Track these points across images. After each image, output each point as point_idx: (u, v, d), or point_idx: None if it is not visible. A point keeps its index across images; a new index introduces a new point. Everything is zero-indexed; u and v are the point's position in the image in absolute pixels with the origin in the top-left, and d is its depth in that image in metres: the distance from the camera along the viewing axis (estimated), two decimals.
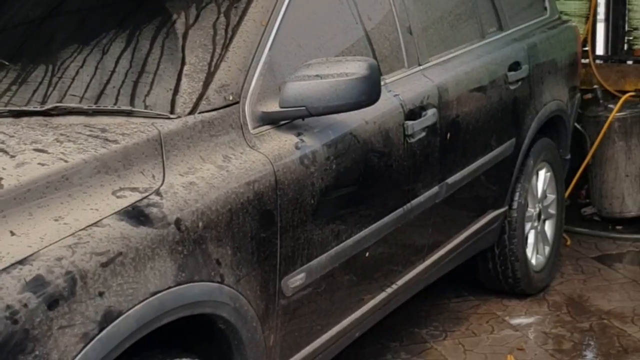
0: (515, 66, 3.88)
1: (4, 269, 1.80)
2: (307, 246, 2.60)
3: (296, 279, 2.57)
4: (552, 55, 4.27)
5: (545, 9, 4.50)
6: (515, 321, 4.00)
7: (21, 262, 1.83)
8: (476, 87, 3.57)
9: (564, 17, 4.78)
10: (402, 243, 3.21)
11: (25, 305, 1.78)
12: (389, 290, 3.16)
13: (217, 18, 2.64)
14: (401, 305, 3.38)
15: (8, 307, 1.76)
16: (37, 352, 1.79)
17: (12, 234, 1.89)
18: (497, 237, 4.00)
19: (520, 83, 3.90)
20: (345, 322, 2.93)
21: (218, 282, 2.25)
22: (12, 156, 2.09)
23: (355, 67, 2.55)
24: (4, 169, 2.03)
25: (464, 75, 3.49)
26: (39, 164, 2.07)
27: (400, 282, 3.22)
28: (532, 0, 4.44)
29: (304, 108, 2.53)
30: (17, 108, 2.47)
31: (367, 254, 2.94)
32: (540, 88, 4.08)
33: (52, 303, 1.83)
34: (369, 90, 2.56)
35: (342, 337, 2.92)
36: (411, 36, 3.27)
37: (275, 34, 2.66)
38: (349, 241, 2.80)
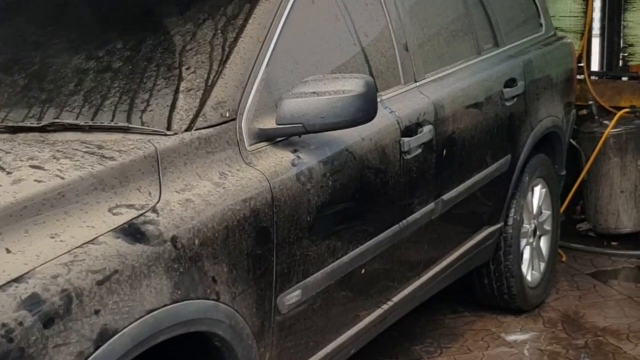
0: (511, 83, 3.89)
1: (0, 287, 1.79)
2: (303, 263, 2.60)
3: (292, 296, 2.57)
4: (547, 71, 4.28)
5: (541, 25, 4.52)
6: (511, 338, 3.99)
7: (17, 280, 1.82)
8: (472, 103, 3.58)
9: (560, 34, 4.80)
10: (398, 259, 3.21)
11: (21, 324, 1.78)
12: (385, 306, 3.16)
13: (214, 34, 2.64)
14: (396, 321, 3.37)
15: (3, 325, 1.75)
16: None
17: (8, 251, 1.88)
18: (492, 253, 4.01)
19: (515, 99, 3.91)
20: (341, 339, 2.92)
21: (214, 300, 2.24)
22: (9, 173, 2.09)
23: (352, 85, 2.55)
24: (0, 185, 2.02)
25: (460, 92, 3.50)
26: (35, 180, 2.06)
27: (395, 299, 3.22)
28: (528, 16, 4.46)
29: (300, 125, 2.53)
30: (14, 124, 2.46)
31: (363, 271, 2.93)
32: (535, 104, 4.10)
33: (48, 321, 1.82)
34: (365, 108, 2.56)
35: (337, 354, 2.92)
36: (407, 53, 3.28)
37: (272, 51, 2.67)
38: (345, 258, 2.80)
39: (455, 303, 4.31)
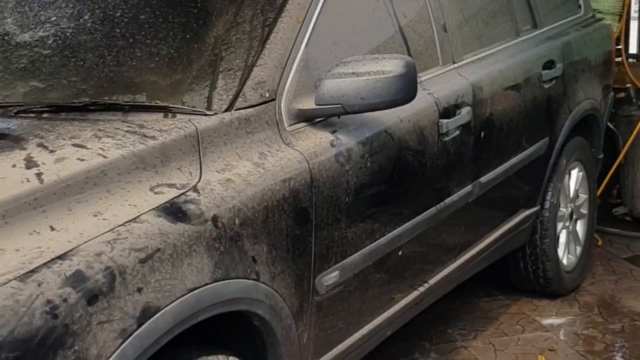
0: (549, 64, 3.85)
1: (45, 264, 1.81)
2: (341, 244, 2.60)
3: (330, 277, 2.57)
4: (586, 53, 4.23)
5: (580, 6, 4.46)
6: (546, 321, 3.97)
7: (61, 257, 1.84)
8: (510, 85, 3.55)
9: (598, 15, 4.74)
10: (435, 242, 3.19)
11: (65, 300, 1.79)
12: (421, 289, 3.15)
13: (254, 14, 2.63)
14: (431, 303, 3.37)
15: (48, 301, 1.77)
16: (76, 347, 1.80)
17: (52, 229, 1.90)
18: (528, 237, 3.98)
19: (554, 82, 3.87)
20: (376, 321, 2.92)
21: (254, 280, 2.25)
22: (52, 151, 2.10)
23: (392, 65, 2.53)
24: (43, 163, 2.04)
25: (498, 74, 3.47)
26: (78, 159, 2.08)
27: (431, 281, 3.21)
28: None
29: (340, 106, 2.52)
30: (55, 102, 2.47)
31: (399, 253, 2.93)
32: (574, 87, 4.05)
33: (92, 298, 1.84)
34: (405, 89, 2.55)
35: (373, 336, 2.92)
36: (446, 34, 3.26)
37: (312, 31, 2.65)
38: (383, 239, 2.79)
39: (490, 286, 4.29)
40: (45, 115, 2.38)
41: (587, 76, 4.21)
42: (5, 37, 2.82)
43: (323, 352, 2.66)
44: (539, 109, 3.76)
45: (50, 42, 2.75)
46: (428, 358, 3.66)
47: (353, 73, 2.53)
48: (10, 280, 1.75)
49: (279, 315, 2.34)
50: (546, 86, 3.81)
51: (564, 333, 3.88)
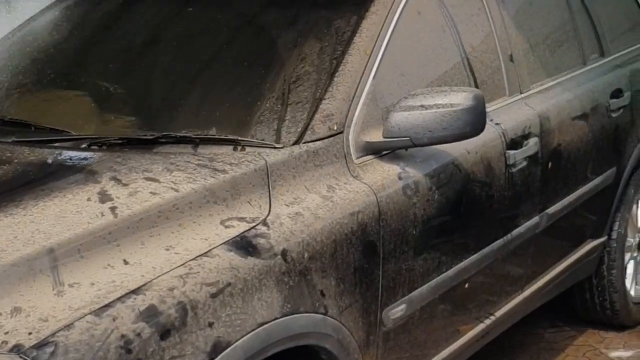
0: (617, 93, 3.79)
1: (119, 299, 1.83)
2: (409, 277, 2.59)
3: (397, 310, 2.55)
4: None
5: None
6: (614, 354, 3.89)
7: (135, 291, 1.86)
8: (578, 115, 3.50)
9: None
10: (501, 274, 3.16)
11: (139, 335, 1.81)
12: (487, 321, 3.11)
13: (322, 48, 2.65)
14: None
15: (123, 336, 1.79)
16: None
17: (126, 263, 1.92)
18: (595, 268, 3.91)
19: (622, 111, 3.82)
20: (443, 354, 2.89)
21: (322, 314, 2.25)
22: (125, 185, 2.13)
23: (461, 98, 2.53)
24: (118, 197, 2.07)
25: (566, 104, 3.43)
26: (150, 193, 2.11)
27: (498, 314, 3.17)
28: (634, 24, 4.34)
29: (408, 139, 2.52)
30: (127, 136, 2.51)
31: (466, 285, 2.90)
32: None
33: (165, 333, 1.85)
34: (474, 122, 2.54)
35: None
36: (513, 64, 3.23)
37: (379, 63, 2.66)
38: (450, 272, 2.77)
39: (555, 317, 4.22)
40: (117, 148, 2.42)
41: None
42: (76, 72, 2.88)
43: None
44: (606, 139, 3.70)
45: (122, 75, 2.81)
46: None
47: (421, 106, 2.52)
48: (86, 315, 1.78)
49: (347, 350, 2.34)
50: (614, 115, 3.76)
51: None
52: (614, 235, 3.92)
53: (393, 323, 2.55)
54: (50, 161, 2.33)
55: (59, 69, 2.93)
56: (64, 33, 3.10)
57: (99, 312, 1.79)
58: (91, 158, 2.34)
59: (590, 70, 3.76)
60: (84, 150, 2.41)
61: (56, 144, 2.47)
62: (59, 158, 2.36)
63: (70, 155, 2.38)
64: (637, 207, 4.10)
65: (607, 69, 3.86)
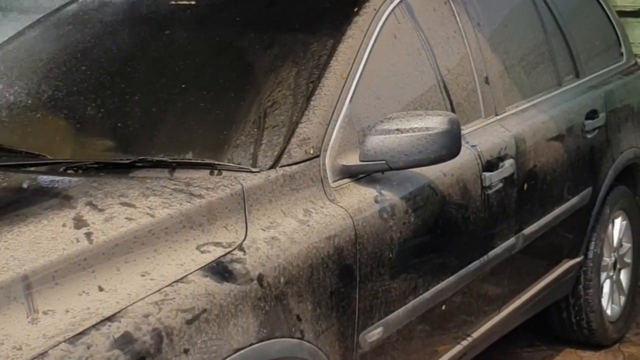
0: (592, 114, 3.83)
1: (94, 326, 1.83)
2: (385, 300, 2.59)
3: (374, 333, 2.56)
4: (628, 101, 4.21)
5: (622, 54, 4.44)
6: None
7: (110, 318, 1.86)
8: (553, 136, 3.53)
9: None
10: (478, 295, 3.17)
11: None
12: (465, 342, 3.12)
13: (298, 71, 2.66)
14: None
15: None
16: None
17: (101, 289, 1.92)
18: (572, 287, 3.93)
19: (597, 131, 3.85)
20: None
21: (299, 338, 2.25)
22: (101, 210, 2.13)
23: (436, 122, 2.54)
24: (93, 223, 2.07)
25: (541, 125, 3.46)
26: (126, 218, 2.10)
27: (475, 334, 3.18)
28: (609, 45, 4.39)
29: (384, 162, 2.53)
30: (103, 160, 2.50)
31: (443, 307, 2.91)
32: (617, 136, 4.03)
33: None
34: (449, 145, 2.55)
35: None
36: (488, 86, 3.26)
37: (355, 87, 2.67)
38: (427, 294, 2.78)
39: (532, 336, 4.23)
40: (92, 172, 2.41)
41: (629, 124, 4.18)
42: (52, 95, 2.87)
43: None
44: (582, 159, 3.74)
45: (97, 99, 2.80)
46: None
47: (397, 129, 2.54)
48: (60, 343, 1.77)
49: None
50: (589, 136, 3.79)
51: None
52: (590, 255, 3.95)
53: (370, 346, 2.55)
54: (25, 186, 2.32)
55: (35, 91, 2.93)
56: (40, 55, 3.10)
57: (73, 339, 1.78)
58: (67, 182, 2.33)
59: (565, 91, 3.79)
60: (60, 174, 2.41)
61: (31, 168, 2.46)
62: (34, 182, 2.35)
63: (45, 179, 2.37)
64: (613, 226, 4.13)
65: (581, 90, 3.89)
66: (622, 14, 4.95)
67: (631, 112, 4.22)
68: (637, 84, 4.36)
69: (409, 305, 2.70)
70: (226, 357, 2.01)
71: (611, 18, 4.43)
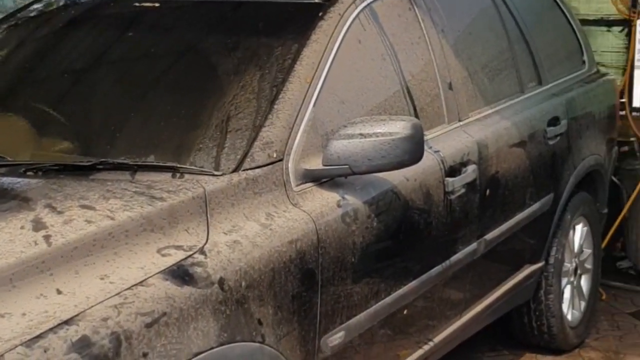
0: (554, 121, 3.87)
1: (51, 329, 1.81)
2: (347, 304, 2.59)
3: (335, 338, 2.56)
4: (590, 109, 4.25)
5: (584, 62, 4.49)
6: None
7: (67, 322, 1.84)
8: (515, 142, 3.56)
9: (602, 70, 4.77)
10: (440, 299, 3.18)
11: None
12: (426, 347, 3.13)
13: (262, 75, 2.66)
14: None
15: None
16: None
17: (59, 292, 1.90)
18: (533, 292, 3.96)
19: (558, 138, 3.89)
20: None
21: (259, 342, 2.24)
22: (60, 212, 2.11)
23: (399, 127, 2.55)
24: (52, 225, 2.04)
25: (503, 131, 3.49)
26: (85, 221, 2.08)
27: (437, 339, 3.20)
28: (571, 53, 4.44)
29: (347, 167, 2.53)
30: (63, 162, 2.48)
31: (405, 311, 2.92)
32: (578, 143, 4.07)
33: None
34: (412, 150, 2.56)
35: None
36: (451, 92, 3.28)
37: (319, 91, 2.67)
38: (388, 299, 2.79)
39: (494, 341, 4.26)
40: (53, 174, 2.39)
41: (591, 132, 4.23)
42: (11, 96, 2.84)
43: None
44: (544, 166, 3.77)
45: (59, 100, 2.78)
46: None
47: (360, 134, 2.54)
48: (16, 346, 1.75)
49: None
50: (551, 143, 3.83)
51: None
52: (551, 260, 3.98)
53: (331, 350, 2.55)
54: None
55: None
56: (0, 55, 3.06)
57: (29, 343, 1.76)
58: (26, 184, 2.31)
59: (527, 98, 3.82)
60: (19, 176, 2.38)
61: None
62: None
63: (3, 181, 2.34)
64: (574, 232, 4.17)
65: (544, 97, 3.93)
66: (585, 22, 5.00)
67: (592, 119, 4.26)
68: (598, 92, 4.41)
69: (371, 309, 2.70)
70: None
71: (574, 26, 4.48)
